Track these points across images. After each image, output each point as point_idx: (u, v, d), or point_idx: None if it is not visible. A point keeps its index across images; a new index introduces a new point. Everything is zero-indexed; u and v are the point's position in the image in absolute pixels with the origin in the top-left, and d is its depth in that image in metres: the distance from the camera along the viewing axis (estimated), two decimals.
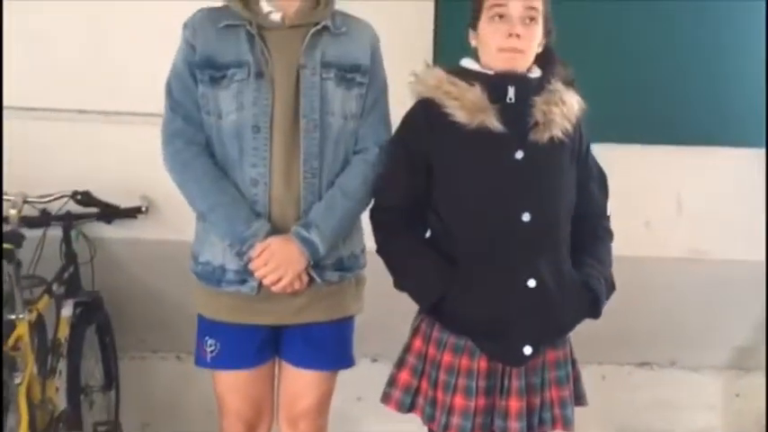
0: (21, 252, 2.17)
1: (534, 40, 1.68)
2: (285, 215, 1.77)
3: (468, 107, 1.64)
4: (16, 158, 2.41)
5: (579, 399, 1.79)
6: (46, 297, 2.31)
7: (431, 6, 2.47)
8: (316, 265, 1.77)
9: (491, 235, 1.66)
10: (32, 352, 2.16)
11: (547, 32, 1.70)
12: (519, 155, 1.65)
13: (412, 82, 1.74)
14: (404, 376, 1.75)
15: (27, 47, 2.47)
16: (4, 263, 2.07)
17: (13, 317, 2.07)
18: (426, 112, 1.69)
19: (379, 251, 1.75)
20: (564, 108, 1.68)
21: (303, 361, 1.87)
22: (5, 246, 2.08)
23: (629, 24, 2.58)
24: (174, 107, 1.78)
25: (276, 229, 1.75)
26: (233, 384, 1.87)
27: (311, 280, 1.78)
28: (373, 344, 2.61)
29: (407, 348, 1.77)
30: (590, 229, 1.79)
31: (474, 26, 1.73)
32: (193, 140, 1.77)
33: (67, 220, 2.45)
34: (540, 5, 1.66)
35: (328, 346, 1.87)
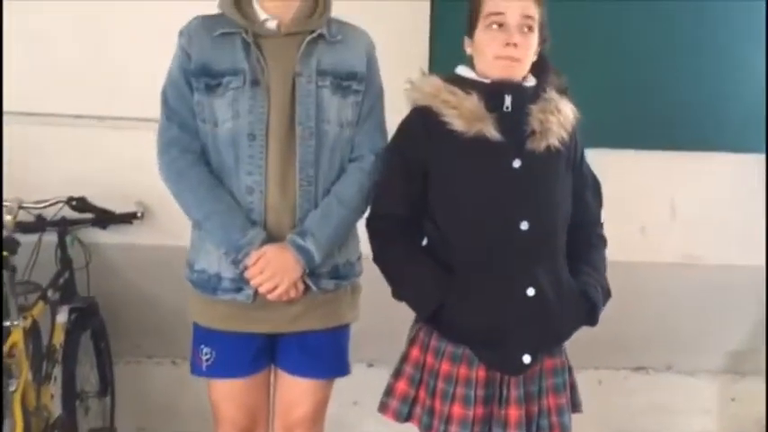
0: (15, 258, 2.17)
1: (531, 49, 1.68)
2: (281, 223, 1.76)
3: (465, 116, 1.64)
4: (12, 163, 2.41)
5: (575, 406, 1.80)
6: (41, 303, 2.31)
7: (426, 14, 2.48)
8: (311, 273, 1.77)
9: (489, 243, 1.66)
10: (27, 359, 2.16)
11: (542, 41, 1.70)
12: (516, 163, 1.65)
13: (407, 89, 1.74)
14: (401, 386, 1.74)
15: (24, 49, 2.47)
16: None
17: (7, 323, 2.07)
18: (423, 119, 1.69)
19: (375, 259, 1.75)
20: (560, 117, 1.69)
21: (299, 369, 1.87)
22: None
23: (624, 29, 2.59)
24: (170, 115, 1.78)
25: (272, 237, 1.75)
26: (228, 393, 1.86)
27: (307, 288, 1.78)
28: (369, 349, 2.61)
29: (404, 358, 1.76)
30: (585, 238, 1.80)
31: (470, 34, 1.73)
32: (189, 149, 1.77)
33: (63, 226, 2.45)
34: (536, 14, 1.67)
35: (324, 355, 1.87)
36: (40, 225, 2.41)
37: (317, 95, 1.75)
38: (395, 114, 1.81)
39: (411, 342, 1.76)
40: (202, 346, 1.85)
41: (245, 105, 1.73)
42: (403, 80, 1.75)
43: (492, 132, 1.64)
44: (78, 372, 2.45)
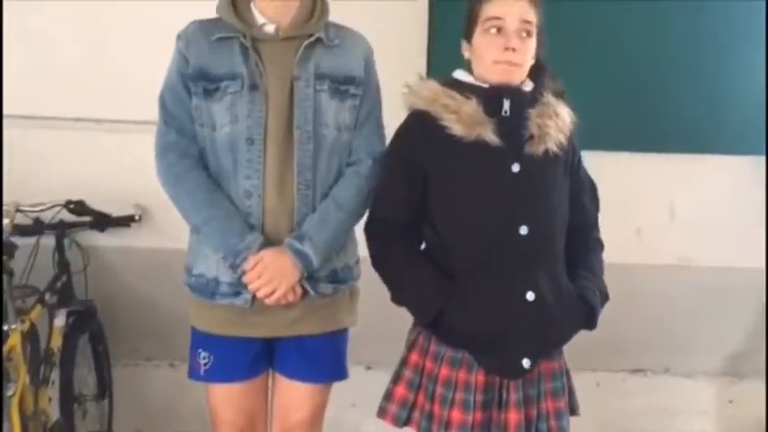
0: (13, 261, 2.17)
1: (529, 54, 1.68)
2: (279, 227, 1.76)
3: (465, 120, 1.64)
4: (11, 166, 2.41)
5: (573, 410, 1.80)
6: (38, 307, 2.30)
7: (425, 18, 2.48)
8: (309, 277, 1.77)
9: (489, 248, 1.66)
10: (25, 362, 2.16)
11: (539, 46, 1.70)
12: (515, 168, 1.66)
13: (405, 93, 1.74)
14: (400, 390, 1.74)
15: (23, 50, 2.47)
16: None
17: (5, 327, 2.07)
18: (422, 124, 1.69)
19: (374, 264, 1.74)
20: (558, 121, 1.69)
21: (297, 373, 1.87)
22: None
23: (621, 32, 2.59)
24: (168, 120, 1.78)
25: (270, 241, 1.75)
26: (226, 397, 1.86)
27: (305, 292, 1.78)
28: (367, 351, 2.61)
29: (404, 362, 1.76)
30: (583, 241, 1.80)
31: (468, 38, 1.73)
32: (186, 153, 1.77)
33: (60, 229, 2.45)
34: (534, 19, 1.67)
35: (322, 359, 1.87)
36: (37, 228, 2.41)
37: (315, 99, 1.75)
38: (393, 119, 1.81)
39: (410, 347, 1.76)
40: (200, 351, 1.85)
41: (243, 110, 1.73)
42: (401, 84, 1.75)
43: (491, 137, 1.64)
44: (76, 375, 2.45)
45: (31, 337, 2.25)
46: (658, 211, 2.70)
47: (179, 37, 1.79)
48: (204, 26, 1.78)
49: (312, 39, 1.76)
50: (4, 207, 2.30)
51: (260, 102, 1.73)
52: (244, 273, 1.73)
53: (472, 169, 1.67)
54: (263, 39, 1.75)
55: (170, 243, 2.24)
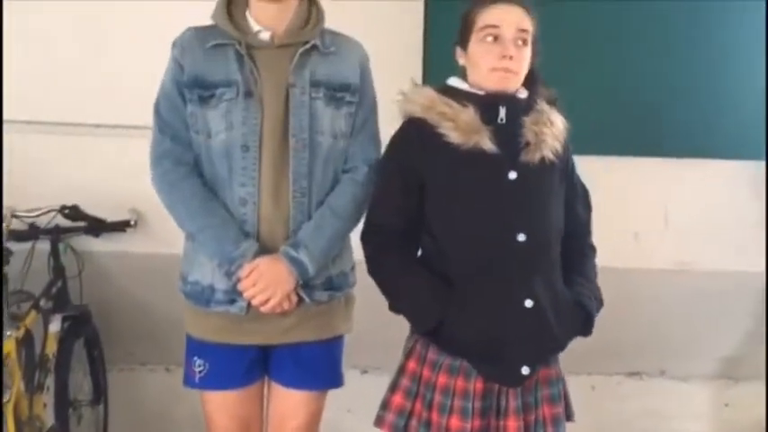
0: (7, 267, 2.17)
1: (525, 62, 1.68)
2: (274, 234, 1.76)
3: (462, 128, 1.64)
4: (7, 171, 2.40)
5: (568, 417, 1.79)
6: (33, 313, 2.30)
7: (420, 24, 2.48)
8: (305, 284, 1.77)
9: (487, 256, 1.65)
10: (20, 368, 2.15)
11: (534, 54, 1.70)
12: (512, 175, 1.65)
13: (400, 101, 1.73)
14: (397, 399, 1.73)
15: (21, 52, 2.47)
16: None
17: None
18: (418, 131, 1.68)
19: (370, 272, 1.74)
20: (553, 129, 1.70)
21: (292, 381, 1.86)
22: None
23: (618, 37, 2.60)
24: (163, 127, 1.78)
25: (265, 249, 1.75)
26: (221, 404, 1.86)
27: (300, 300, 1.78)
28: (363, 356, 2.61)
29: (401, 370, 1.75)
30: (577, 247, 1.80)
31: (463, 45, 1.73)
32: (181, 161, 1.77)
33: (55, 234, 2.45)
34: (530, 28, 1.67)
35: (317, 366, 1.86)
36: (32, 233, 2.41)
37: (311, 107, 1.75)
38: (388, 125, 1.81)
39: (408, 355, 1.75)
40: (195, 358, 1.84)
41: (238, 117, 1.72)
42: (396, 91, 1.74)
43: (488, 144, 1.64)
44: (71, 380, 2.45)
45: (25, 342, 2.24)
46: (655, 215, 2.71)
47: (174, 44, 1.78)
48: (199, 33, 1.77)
49: (307, 46, 1.75)
50: None
51: (255, 109, 1.73)
52: (239, 280, 1.73)
53: (470, 177, 1.66)
54: (258, 46, 1.75)
55: (165, 248, 2.23)
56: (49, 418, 2.32)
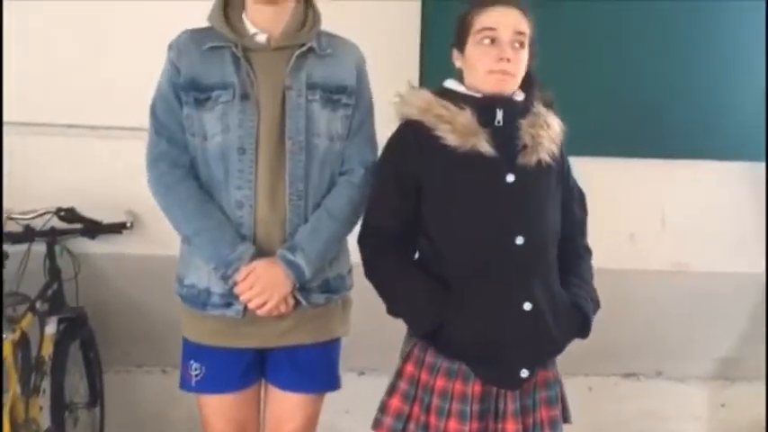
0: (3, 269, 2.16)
1: (522, 64, 1.68)
2: (271, 237, 1.76)
3: (459, 130, 1.64)
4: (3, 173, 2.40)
5: (565, 419, 1.79)
6: (29, 315, 2.29)
7: (417, 27, 2.49)
8: (302, 287, 1.76)
9: (485, 258, 1.65)
10: (16, 371, 2.14)
11: (531, 57, 1.70)
12: (510, 178, 1.65)
13: (397, 103, 1.73)
14: (395, 402, 1.72)
15: (17, 53, 2.47)
16: None
17: None
18: (415, 133, 1.68)
19: (367, 275, 1.73)
20: (550, 131, 1.70)
21: (289, 384, 1.86)
22: None
23: (614, 38, 2.60)
24: (159, 129, 1.77)
25: (262, 252, 1.74)
26: (218, 408, 1.85)
27: (297, 303, 1.77)
28: (360, 358, 2.61)
29: (399, 374, 1.74)
30: (573, 249, 1.80)
31: (459, 47, 1.73)
32: (177, 163, 1.76)
33: (51, 236, 2.44)
34: (527, 30, 1.67)
35: (314, 369, 1.86)
36: (28, 235, 2.40)
37: (307, 109, 1.75)
38: (384, 128, 1.80)
39: (405, 358, 1.74)
40: (192, 362, 1.84)
41: (234, 119, 1.72)
42: (393, 93, 1.74)
43: (486, 147, 1.64)
44: (67, 382, 2.44)
45: (21, 345, 2.23)
46: (651, 216, 2.71)
47: (170, 47, 1.78)
48: (195, 35, 1.77)
49: (304, 48, 1.75)
50: None
51: (251, 111, 1.72)
52: (235, 284, 1.73)
53: (467, 179, 1.66)
54: (254, 48, 1.75)
55: (162, 250, 2.23)
56: (45, 421, 2.30)
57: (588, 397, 3.06)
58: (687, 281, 2.74)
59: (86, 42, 2.50)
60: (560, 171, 1.75)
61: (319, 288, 1.81)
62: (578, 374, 3.00)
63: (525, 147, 1.67)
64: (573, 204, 1.80)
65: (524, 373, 1.66)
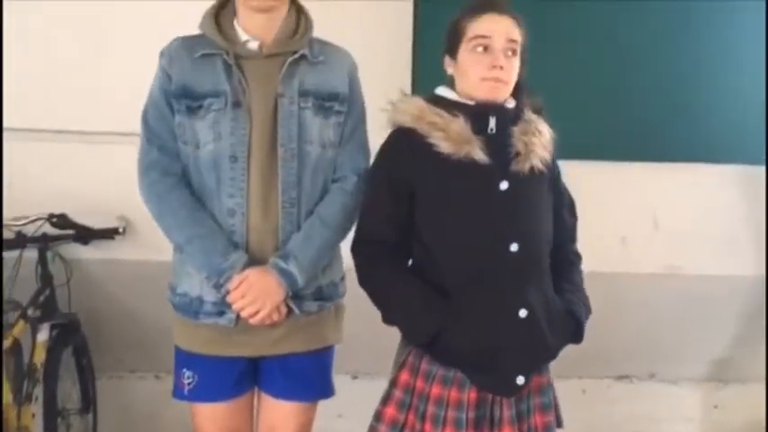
0: None
1: (514, 72, 1.68)
2: (263, 245, 1.75)
3: (453, 138, 1.64)
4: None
5: (558, 424, 1.80)
6: (21, 322, 2.28)
7: (409, 33, 2.49)
8: (294, 295, 1.76)
9: (480, 266, 1.65)
10: (8, 379, 2.13)
11: (522, 64, 1.70)
12: (504, 185, 1.65)
13: (389, 110, 1.73)
14: (390, 411, 1.72)
15: (12, 55, 2.46)
16: None
17: None
18: (408, 140, 1.68)
19: (361, 283, 1.73)
20: (541, 138, 1.70)
21: (282, 392, 1.85)
22: None
23: (605, 41, 2.60)
24: (150, 137, 1.77)
25: (254, 260, 1.74)
26: (211, 416, 1.84)
27: (290, 311, 1.77)
28: (353, 361, 2.61)
29: (393, 382, 1.74)
30: (564, 256, 1.81)
31: (451, 54, 1.72)
32: (169, 171, 1.76)
33: (43, 242, 2.43)
34: (519, 38, 1.67)
35: (307, 377, 1.85)
36: (20, 242, 2.39)
37: (300, 116, 1.74)
38: (376, 135, 1.80)
39: (400, 366, 1.74)
40: (184, 370, 1.83)
41: (226, 127, 1.71)
42: (385, 100, 1.74)
43: (480, 155, 1.64)
44: (60, 389, 2.42)
45: (13, 352, 2.22)
46: (643, 219, 2.72)
47: (162, 54, 1.77)
48: (187, 43, 1.76)
49: (296, 55, 1.75)
50: None
51: (243, 119, 1.72)
52: (228, 292, 1.72)
53: (461, 187, 1.66)
54: (246, 56, 1.74)
55: (154, 255, 2.22)
56: (37, 429, 2.30)
57: (582, 399, 3.06)
58: (679, 284, 2.75)
59: (75, 49, 2.49)
60: (551, 177, 1.75)
61: (312, 296, 1.80)
62: (572, 377, 3.00)
63: (518, 154, 1.67)
64: (563, 210, 1.81)
65: (520, 380, 1.66)
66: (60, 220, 2.43)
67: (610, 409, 3.11)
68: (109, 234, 2.48)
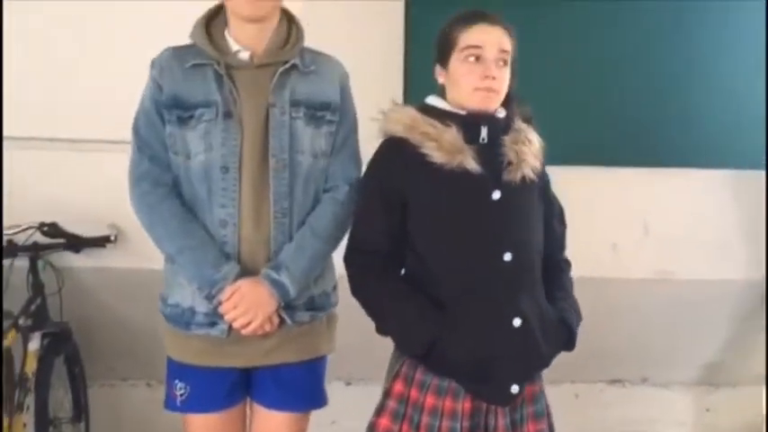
0: None
1: (506, 82, 1.69)
2: (255, 256, 1.75)
3: (446, 148, 1.64)
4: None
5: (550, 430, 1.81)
6: (12, 331, 2.27)
7: (400, 43, 2.49)
8: (286, 306, 1.75)
9: (474, 275, 1.65)
10: None
11: (513, 75, 1.71)
12: (496, 195, 1.66)
13: (380, 120, 1.73)
14: (384, 422, 1.71)
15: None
16: None
17: None
18: (400, 150, 1.68)
19: (354, 293, 1.72)
20: (532, 147, 1.70)
21: (274, 403, 1.85)
22: None
23: (596, 47, 2.61)
24: (141, 147, 1.76)
25: (246, 271, 1.73)
26: (203, 427, 1.84)
27: (282, 321, 1.77)
28: (347, 367, 2.61)
29: (387, 393, 1.73)
30: (555, 263, 1.81)
31: (442, 64, 1.72)
32: (160, 182, 1.75)
33: (34, 251, 2.43)
34: (510, 48, 1.68)
35: (299, 388, 1.85)
36: (11, 251, 2.38)
37: (291, 126, 1.74)
38: (368, 144, 1.80)
39: (394, 377, 1.73)
40: (177, 381, 1.82)
41: (217, 138, 1.71)
42: (377, 109, 1.74)
43: (472, 165, 1.64)
44: (51, 397, 2.42)
45: (5, 362, 2.21)
46: (634, 224, 2.73)
47: (153, 64, 1.76)
48: (178, 53, 1.76)
49: (287, 65, 1.74)
50: None
51: (235, 130, 1.71)
52: (220, 303, 1.72)
53: (454, 197, 1.66)
54: (237, 66, 1.74)
55: (145, 263, 2.21)
56: None
57: (574, 403, 3.07)
58: (671, 289, 2.76)
59: (66, 57, 2.49)
60: (541, 186, 1.76)
61: (304, 306, 1.80)
62: (564, 381, 3.01)
63: (510, 163, 1.67)
64: (553, 220, 1.81)
65: (515, 389, 1.66)
66: (51, 229, 2.43)
67: (602, 413, 3.12)
68: (100, 242, 2.47)
